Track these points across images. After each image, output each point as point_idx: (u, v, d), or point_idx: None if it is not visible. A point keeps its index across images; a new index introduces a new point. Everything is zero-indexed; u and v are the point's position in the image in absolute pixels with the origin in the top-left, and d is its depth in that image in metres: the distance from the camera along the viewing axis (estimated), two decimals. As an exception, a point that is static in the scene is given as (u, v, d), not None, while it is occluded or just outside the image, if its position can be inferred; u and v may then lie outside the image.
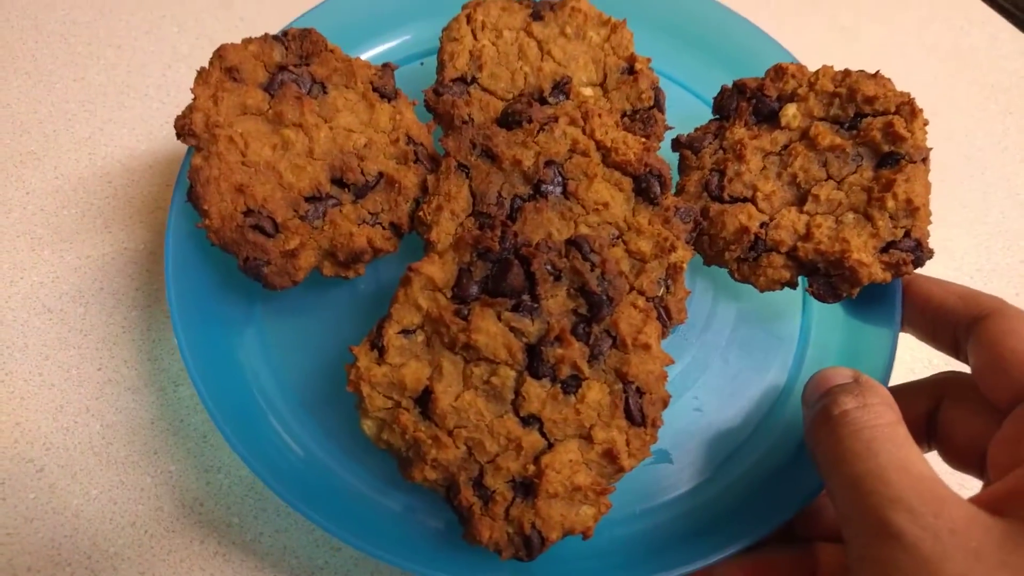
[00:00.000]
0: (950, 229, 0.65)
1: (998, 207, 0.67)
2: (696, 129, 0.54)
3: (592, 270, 0.44)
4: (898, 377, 0.47)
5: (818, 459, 0.39)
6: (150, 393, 0.50)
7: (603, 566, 0.44)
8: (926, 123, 0.48)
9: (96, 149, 0.62)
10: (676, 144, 0.54)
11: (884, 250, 0.47)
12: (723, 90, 0.54)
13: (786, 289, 0.50)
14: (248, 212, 0.46)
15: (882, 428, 0.36)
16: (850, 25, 0.76)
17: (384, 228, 0.49)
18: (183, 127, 0.47)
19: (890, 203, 0.46)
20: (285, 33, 0.51)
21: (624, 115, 0.54)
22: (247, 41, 0.50)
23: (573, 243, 0.45)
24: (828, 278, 0.48)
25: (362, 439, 0.45)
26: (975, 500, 0.34)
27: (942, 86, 0.73)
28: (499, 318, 0.44)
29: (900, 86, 0.70)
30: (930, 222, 0.47)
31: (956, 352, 0.44)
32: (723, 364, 0.51)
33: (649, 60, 0.55)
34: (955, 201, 0.67)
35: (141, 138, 0.63)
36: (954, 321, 0.44)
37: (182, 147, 0.62)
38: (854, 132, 0.49)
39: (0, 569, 0.44)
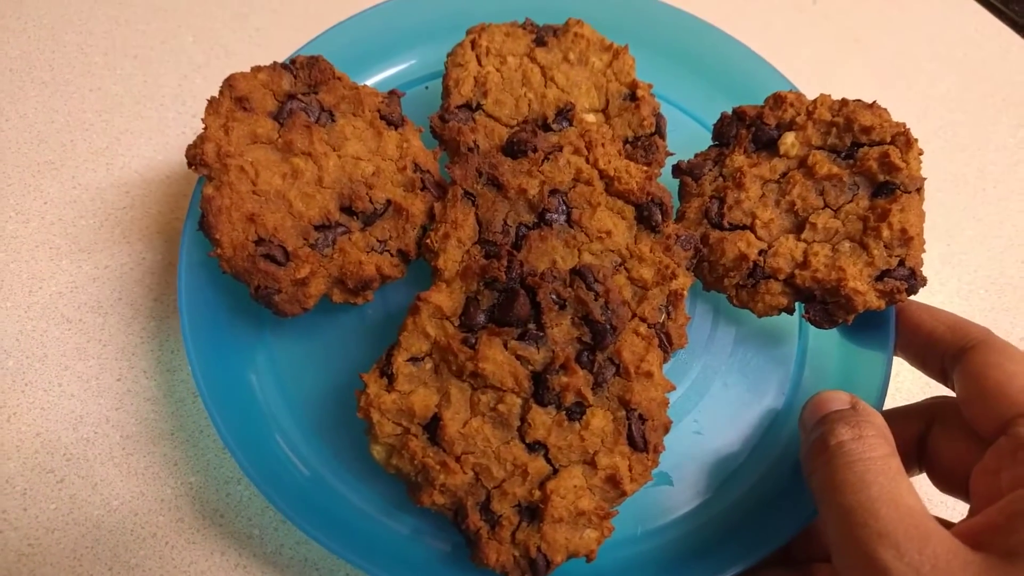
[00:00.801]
0: (964, 243, 0.66)
1: (1011, 220, 0.68)
2: (696, 155, 0.55)
3: (596, 299, 0.45)
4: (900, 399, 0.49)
5: (813, 487, 0.40)
6: (169, 404, 0.51)
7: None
8: (921, 153, 0.50)
9: (113, 159, 0.63)
10: (677, 171, 0.55)
11: (879, 278, 0.48)
12: (723, 117, 0.55)
13: (783, 314, 0.51)
14: (259, 241, 0.47)
15: (875, 461, 0.38)
16: (863, 37, 0.77)
17: (392, 255, 0.50)
18: (194, 157, 0.48)
19: (885, 232, 0.48)
20: (293, 61, 0.51)
21: (626, 142, 0.55)
22: (256, 70, 0.50)
23: (577, 273, 0.46)
24: (824, 305, 0.49)
25: (370, 462, 0.46)
26: (957, 532, 0.35)
27: (954, 99, 0.74)
28: (506, 347, 0.45)
29: (913, 99, 0.71)
30: (924, 251, 0.48)
31: (944, 379, 0.46)
32: (723, 388, 0.52)
33: (651, 86, 0.56)
34: (968, 214, 0.68)
35: (158, 148, 0.64)
36: (942, 350, 0.45)
37: None
38: (851, 161, 0.50)
39: None
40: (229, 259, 0.47)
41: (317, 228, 0.49)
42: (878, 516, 0.35)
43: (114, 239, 0.58)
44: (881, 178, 0.49)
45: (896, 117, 0.51)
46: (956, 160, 0.70)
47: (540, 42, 0.57)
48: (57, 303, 0.55)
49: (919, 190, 0.49)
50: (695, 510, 0.48)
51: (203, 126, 0.48)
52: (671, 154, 0.55)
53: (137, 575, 0.46)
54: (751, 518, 0.47)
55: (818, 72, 0.74)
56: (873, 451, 0.38)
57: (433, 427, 0.45)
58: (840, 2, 0.80)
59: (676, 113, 0.60)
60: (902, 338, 0.49)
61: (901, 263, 0.48)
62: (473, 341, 0.45)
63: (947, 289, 0.63)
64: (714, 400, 0.52)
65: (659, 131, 0.55)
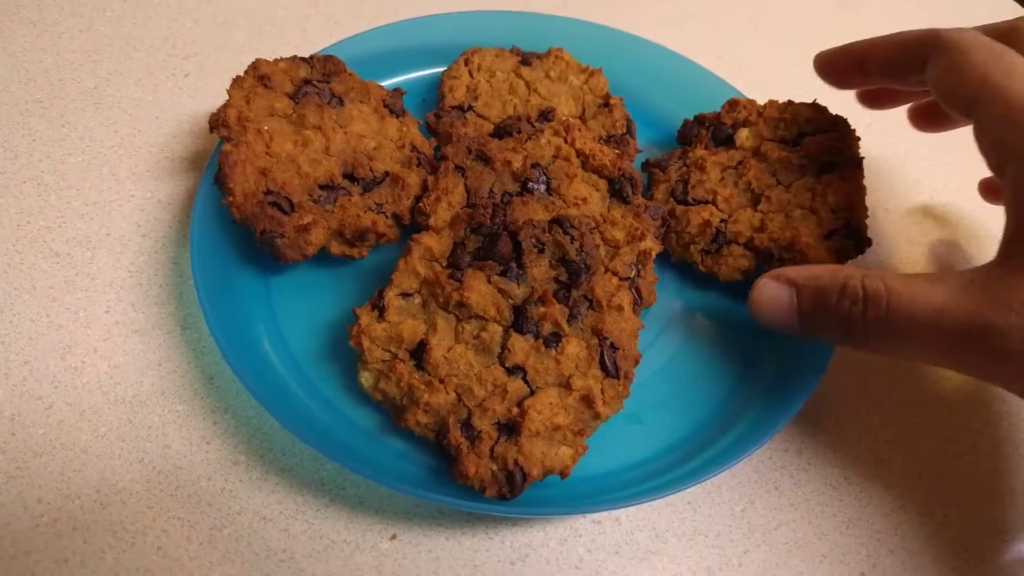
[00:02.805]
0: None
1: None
2: (663, 154, 0.62)
3: (572, 243, 0.50)
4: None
5: (884, 353, 0.47)
6: (157, 336, 0.52)
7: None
8: (859, 139, 0.56)
9: (102, 99, 0.65)
10: (645, 165, 0.62)
11: (828, 237, 0.53)
12: (685, 122, 0.63)
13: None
14: (268, 192, 0.52)
15: None
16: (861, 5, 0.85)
17: (387, 217, 0.55)
18: (217, 120, 0.54)
19: (831, 199, 0.54)
20: (311, 56, 0.59)
21: (600, 140, 0.62)
22: (278, 59, 0.58)
23: (556, 221, 0.51)
24: (782, 263, 0.54)
25: (356, 395, 0.49)
26: None
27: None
28: (489, 281, 0.49)
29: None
30: (867, 215, 0.54)
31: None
32: (692, 340, 0.55)
33: (622, 99, 0.64)
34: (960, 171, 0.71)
35: (147, 89, 0.66)
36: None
37: (188, 100, 0.67)
38: (798, 148, 0.57)
39: (11, 501, 0.45)
40: (239, 205, 0.52)
41: (321, 187, 0.54)
42: None
43: (102, 177, 0.60)
44: (825, 158, 0.56)
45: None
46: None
47: (525, 63, 0.66)
48: (45, 237, 0.56)
49: (859, 166, 0.55)
50: (665, 439, 0.51)
51: (227, 96, 0.55)
52: (640, 151, 0.62)
53: (124, 497, 0.46)
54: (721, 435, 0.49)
55: (806, 34, 0.80)
56: None
57: (419, 354, 0.48)
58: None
59: (645, 128, 0.67)
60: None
61: (847, 224, 0.53)
62: (459, 276, 0.49)
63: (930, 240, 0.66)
64: (684, 352, 0.55)
65: (630, 131, 0.62)
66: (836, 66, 0.56)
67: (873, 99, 0.60)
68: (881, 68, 0.53)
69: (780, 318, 0.48)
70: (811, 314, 0.47)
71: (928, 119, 0.61)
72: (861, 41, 0.55)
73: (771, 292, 0.48)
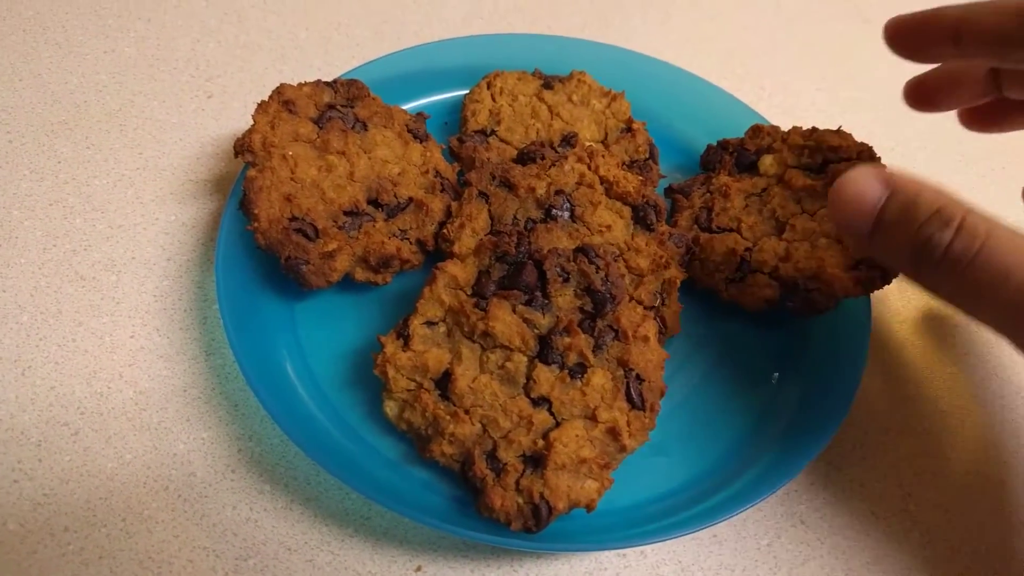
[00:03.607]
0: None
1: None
2: (686, 180, 0.62)
3: (597, 272, 0.50)
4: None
5: (946, 298, 0.40)
6: (182, 361, 0.52)
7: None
8: (884, 167, 0.56)
9: (127, 120, 0.65)
10: (669, 190, 0.61)
11: (854, 267, 0.53)
12: (708, 148, 0.63)
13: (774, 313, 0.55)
14: (293, 219, 0.52)
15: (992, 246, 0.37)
16: (874, 18, 0.84)
17: (411, 243, 0.55)
18: (242, 145, 0.54)
19: (857, 228, 0.53)
20: (335, 80, 0.59)
21: (623, 165, 0.62)
22: (302, 84, 0.58)
23: (580, 250, 0.51)
24: (807, 293, 0.53)
25: (380, 424, 0.49)
26: None
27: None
28: (514, 310, 0.49)
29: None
30: (893, 246, 0.53)
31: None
32: (716, 370, 0.55)
33: (644, 123, 0.64)
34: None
35: (171, 110, 0.67)
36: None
37: (211, 121, 0.67)
38: (823, 175, 0.57)
39: (38, 528, 0.45)
40: (264, 232, 0.52)
41: (346, 213, 0.54)
42: None
43: (127, 199, 0.60)
44: (850, 186, 0.55)
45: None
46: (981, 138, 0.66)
47: (547, 86, 0.65)
48: (71, 260, 0.56)
49: (885, 195, 0.55)
50: (690, 471, 0.50)
51: (251, 120, 0.55)
52: (663, 176, 0.62)
53: (151, 526, 0.46)
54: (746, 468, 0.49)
55: (829, 53, 0.80)
56: (979, 237, 0.37)
57: (444, 383, 0.48)
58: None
59: (667, 153, 0.67)
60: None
61: (873, 254, 0.53)
62: (484, 305, 0.49)
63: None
64: (709, 381, 0.54)
65: (652, 157, 0.62)
66: (919, 33, 0.48)
67: (928, 98, 0.54)
68: (983, 39, 0.45)
69: (855, 218, 0.40)
70: (890, 225, 0.40)
71: (985, 120, 0.55)
72: (954, 6, 0.47)
73: (860, 186, 0.40)
